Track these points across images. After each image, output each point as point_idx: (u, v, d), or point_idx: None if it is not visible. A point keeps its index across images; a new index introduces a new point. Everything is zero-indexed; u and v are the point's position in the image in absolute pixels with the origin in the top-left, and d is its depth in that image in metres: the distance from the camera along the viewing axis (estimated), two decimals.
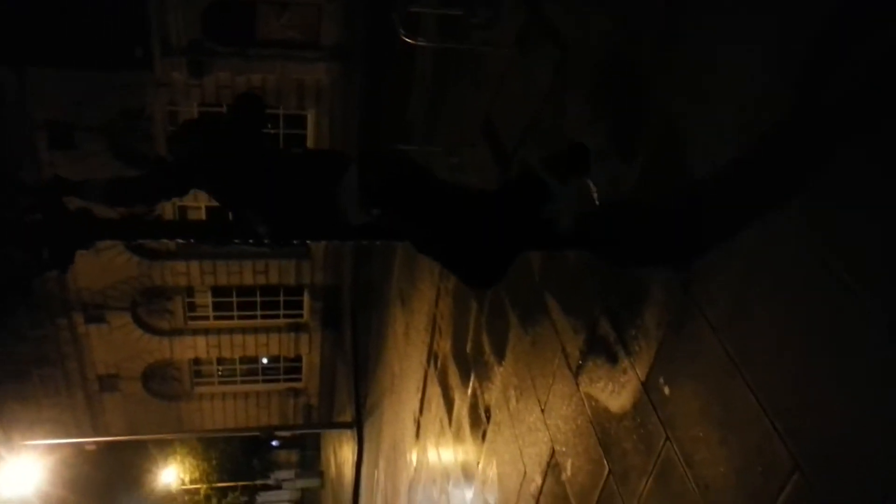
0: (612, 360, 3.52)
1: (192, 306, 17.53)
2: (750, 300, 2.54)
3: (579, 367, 3.91)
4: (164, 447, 22.33)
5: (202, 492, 23.49)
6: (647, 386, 3.16)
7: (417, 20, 5.97)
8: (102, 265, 15.42)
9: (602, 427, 3.63)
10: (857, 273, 2.11)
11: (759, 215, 2.52)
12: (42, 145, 12.64)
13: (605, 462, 3.56)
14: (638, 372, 3.25)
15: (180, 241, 3.01)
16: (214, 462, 23.68)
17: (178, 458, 22.98)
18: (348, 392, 15.05)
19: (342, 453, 16.76)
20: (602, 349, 3.64)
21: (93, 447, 15.93)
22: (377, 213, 2.86)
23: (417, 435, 8.36)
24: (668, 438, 2.99)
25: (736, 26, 2.70)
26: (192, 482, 23.33)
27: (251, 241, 3.10)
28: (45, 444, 13.48)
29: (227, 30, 12.42)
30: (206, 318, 17.80)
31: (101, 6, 11.00)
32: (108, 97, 12.50)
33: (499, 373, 5.29)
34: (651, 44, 3.29)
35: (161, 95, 12.86)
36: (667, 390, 3.00)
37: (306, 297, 17.55)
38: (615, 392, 3.48)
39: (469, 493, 6.01)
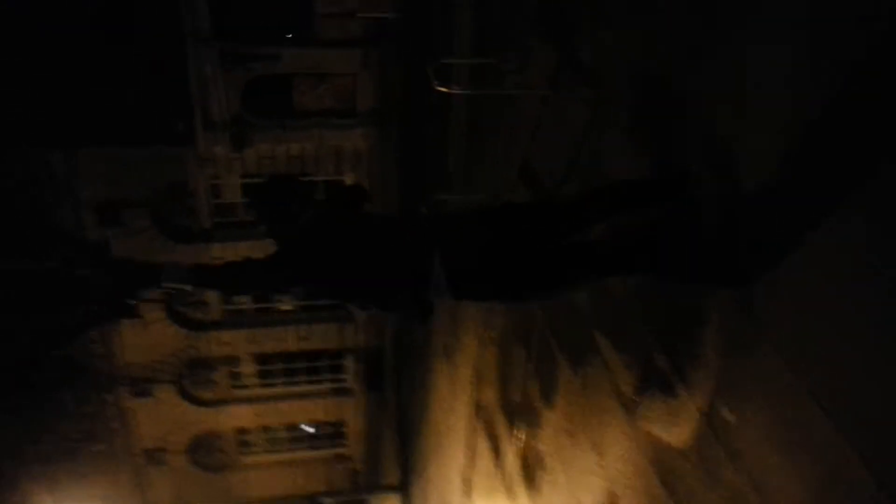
0: (669, 392, 3.41)
1: (236, 376, 17.58)
2: (815, 317, 2.45)
3: (634, 404, 3.79)
4: None
5: None
6: (710, 415, 3.04)
7: (451, 72, 6.10)
8: (148, 339, 15.63)
9: (662, 464, 3.50)
10: None
11: (817, 227, 2.45)
12: (90, 224, 13.02)
13: (670, 500, 3.41)
14: (699, 402, 3.13)
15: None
16: None
17: None
18: (394, 454, 14.82)
19: None
20: (657, 383, 3.54)
21: None
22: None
23: (466, 493, 8.16)
24: (735, 469, 2.85)
25: (771, 34, 2.69)
26: None
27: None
28: None
29: (266, 103, 12.81)
30: (251, 386, 17.83)
31: (143, 84, 11.47)
32: (151, 173, 12.90)
33: (549, 419, 5.17)
34: (685, 64, 3.28)
35: (204, 169, 13.22)
36: (731, 418, 2.88)
37: (349, 361, 17.51)
38: (674, 426, 3.36)
39: None
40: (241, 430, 18.75)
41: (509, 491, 6.30)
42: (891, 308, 2.14)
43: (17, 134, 11.64)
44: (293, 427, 19.16)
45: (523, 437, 5.80)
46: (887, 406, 2.15)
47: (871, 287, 2.22)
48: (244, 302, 15.92)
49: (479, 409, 7.42)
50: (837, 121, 2.37)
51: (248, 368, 17.57)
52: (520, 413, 5.91)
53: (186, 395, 17.40)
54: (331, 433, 19.67)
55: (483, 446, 7.23)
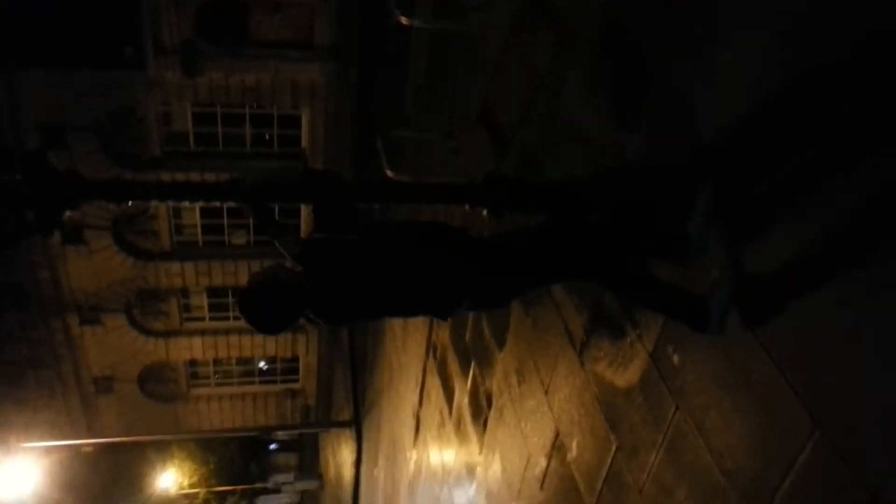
0: (618, 334, 3.47)
1: (187, 307, 17.41)
2: (759, 258, 2.50)
3: (583, 345, 3.87)
4: (162, 451, 22.21)
5: (200, 496, 23.38)
6: (655, 356, 3.12)
7: (412, 4, 5.93)
8: (96, 267, 15.32)
9: (608, 403, 3.59)
10: None
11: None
12: (33, 146, 12.53)
13: (612, 438, 3.52)
14: (645, 343, 3.20)
15: (171, 202, 2.90)
16: (212, 466, 23.56)
17: (176, 462, 22.85)
18: (346, 391, 14.98)
19: (341, 454, 16.68)
20: (607, 324, 3.60)
21: (89, 449, 15.83)
22: None
23: (417, 429, 8.31)
24: (678, 408, 2.94)
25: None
26: (190, 486, 23.21)
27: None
28: (41, 447, 13.38)
29: (221, 30, 12.33)
30: (202, 319, 17.68)
31: (92, 5, 10.90)
32: (99, 97, 12.39)
33: (500, 358, 5.25)
34: (652, 14, 3.24)
35: (154, 95, 12.76)
36: (676, 359, 2.96)
37: None
38: (622, 366, 3.44)
39: (471, 484, 5.96)
40: (192, 362, 18.69)
41: (457, 428, 6.43)
42: (830, 235, 2.19)
43: None
44: (245, 361, 19.16)
45: (475, 375, 5.89)
46: (825, 344, 2.22)
47: (807, 219, 2.26)
48: (195, 233, 15.65)
49: (431, 348, 7.50)
50: (799, 110, 2.37)
51: (200, 301, 17.40)
52: (471, 353, 5.98)
53: (137, 325, 17.20)
54: (283, 368, 19.75)
55: (434, 384, 7.34)
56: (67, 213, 2.95)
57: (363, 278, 2.73)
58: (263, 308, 2.70)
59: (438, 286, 2.77)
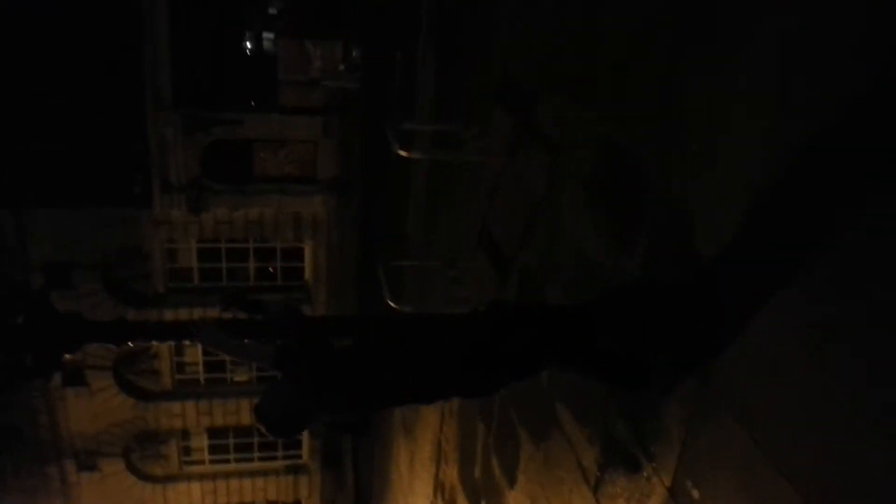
0: (633, 468, 3.22)
1: (187, 450, 16.83)
2: (773, 381, 2.34)
3: (598, 481, 3.59)
4: None
5: None
6: (674, 491, 2.86)
7: (411, 137, 6.06)
8: (96, 408, 14.96)
9: None
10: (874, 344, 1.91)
11: (770, 298, 2.36)
12: (37, 285, 12.56)
13: None
14: (662, 478, 2.95)
15: (173, 342, 2.78)
16: None
17: None
18: None
19: None
20: (620, 457, 3.35)
21: None
22: None
23: None
24: None
25: (734, 101, 2.64)
26: None
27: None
28: None
29: (226, 167, 12.69)
30: (202, 462, 17.05)
31: (101, 144, 11.28)
32: (105, 234, 12.57)
33: (511, 497, 4.91)
34: (642, 127, 3.24)
35: (159, 233, 12.94)
36: (696, 494, 2.71)
37: (305, 436, 16.91)
38: (640, 503, 3.15)
39: None
40: None
41: None
42: (844, 377, 2.07)
43: None
44: None
45: None
46: (849, 475, 2.05)
47: (824, 356, 2.14)
48: (196, 371, 15.43)
49: (439, 487, 7.10)
50: (787, 202, 2.32)
51: (200, 442, 16.85)
52: (481, 491, 5.63)
53: (135, 470, 16.56)
54: None
55: None
56: (67, 355, 2.88)
57: (348, 375, 2.74)
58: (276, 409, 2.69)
59: (427, 380, 2.80)
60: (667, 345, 2.83)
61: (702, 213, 2.76)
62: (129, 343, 2.97)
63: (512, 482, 4.89)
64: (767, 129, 2.43)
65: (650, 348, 2.85)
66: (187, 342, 2.81)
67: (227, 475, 17.03)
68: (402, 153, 4.95)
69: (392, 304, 5.27)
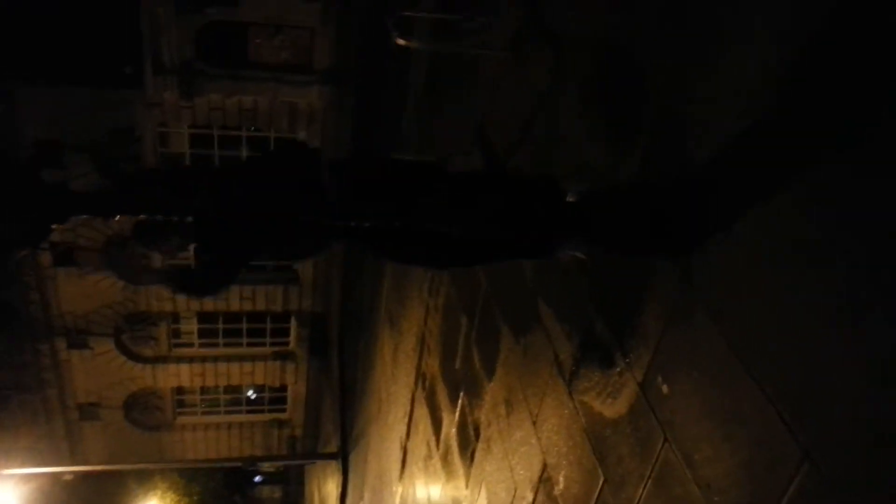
0: (608, 363, 3.36)
1: (176, 333, 17.25)
2: (752, 286, 2.42)
3: (573, 375, 3.75)
4: (145, 480, 21.78)
5: None
6: (645, 386, 3.00)
7: (411, 26, 5.92)
8: (86, 289, 15.19)
9: (596, 435, 3.46)
10: (867, 249, 1.98)
11: (760, 198, 2.41)
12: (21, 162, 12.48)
13: (600, 471, 3.38)
14: (635, 373, 3.09)
15: (160, 217, 2.79)
16: (196, 497, 23.09)
17: (159, 492, 22.39)
18: (334, 422, 14.75)
19: (326, 487, 16.36)
20: (597, 353, 3.49)
21: (71, 477, 15.51)
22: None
23: (404, 462, 8.12)
24: (666, 440, 2.82)
25: (737, 7, 2.61)
26: None
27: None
28: (21, 474, 13.08)
29: (220, 51, 12.40)
30: (191, 345, 17.52)
31: (93, 23, 10.95)
32: (97, 116, 12.42)
33: (489, 388, 5.12)
34: (648, 33, 3.20)
35: (151, 115, 12.79)
36: (665, 389, 2.85)
37: (293, 324, 17.32)
38: (610, 397, 3.32)
39: None
40: (179, 390, 18.46)
41: (445, 460, 6.26)
42: (821, 281, 2.13)
43: None
44: (233, 389, 18.92)
45: (463, 406, 5.75)
46: (814, 377, 2.14)
47: (803, 259, 2.20)
48: (188, 256, 15.56)
49: (421, 377, 7.36)
50: (794, 108, 2.32)
51: (189, 326, 17.25)
52: (461, 382, 5.85)
53: (125, 350, 17.03)
54: (271, 397, 19.50)
55: (423, 414, 7.18)
56: (55, 226, 2.88)
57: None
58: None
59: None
60: (651, 243, 2.89)
61: (700, 121, 2.77)
62: (117, 217, 2.95)
63: (490, 374, 5.08)
64: (772, 36, 2.42)
65: (635, 247, 2.91)
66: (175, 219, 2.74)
67: (216, 359, 17.54)
68: (401, 43, 4.84)
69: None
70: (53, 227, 2.85)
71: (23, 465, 13.68)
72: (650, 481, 2.92)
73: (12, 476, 12.87)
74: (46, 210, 2.76)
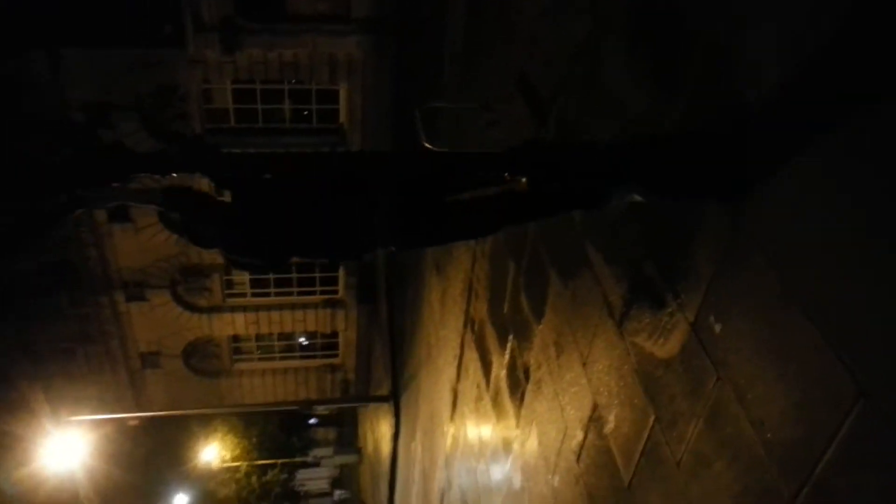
0: (658, 304, 3.40)
1: (229, 284, 17.74)
2: (805, 226, 2.42)
3: (623, 316, 3.80)
4: (206, 425, 22.74)
5: (242, 469, 23.91)
6: (697, 326, 3.05)
7: None
8: (141, 244, 15.66)
9: (647, 375, 3.53)
10: None
11: (811, 138, 2.39)
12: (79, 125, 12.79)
13: (651, 410, 3.46)
14: (686, 313, 3.13)
15: (217, 176, 2.87)
16: (254, 440, 24.07)
17: (219, 435, 23.39)
18: (385, 366, 15.12)
19: (379, 428, 16.88)
20: (647, 294, 3.53)
21: (135, 422, 16.29)
22: None
23: (455, 403, 8.33)
24: (719, 378, 2.88)
25: None
26: (232, 459, 23.75)
27: None
28: (89, 420, 13.79)
29: (258, 5, 12.39)
30: (244, 294, 18.02)
31: None
32: (140, 75, 12.59)
33: (538, 331, 5.21)
34: None
35: (194, 73, 12.91)
36: (718, 328, 2.89)
37: (342, 273, 17.65)
38: (662, 337, 3.37)
39: (508, 458, 5.96)
40: (235, 338, 19.06)
41: (495, 402, 6.43)
42: (876, 221, 2.12)
43: None
44: (286, 336, 19.46)
45: (512, 349, 5.87)
46: (870, 315, 2.15)
47: (856, 200, 2.19)
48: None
49: (469, 322, 7.49)
50: (844, 45, 2.27)
51: (242, 277, 17.69)
52: (509, 326, 5.95)
53: (181, 301, 17.60)
54: (323, 343, 20.01)
55: (472, 357, 7.34)
56: (115, 184, 2.96)
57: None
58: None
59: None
60: (701, 187, 2.89)
61: (750, 61, 2.73)
62: (174, 174, 3.03)
63: (539, 317, 5.16)
64: None
65: (686, 191, 2.92)
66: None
67: (269, 307, 18.04)
68: None
69: (428, 146, 5.32)
70: (115, 185, 2.95)
71: (91, 412, 14.42)
72: (702, 420, 2.99)
73: (81, 423, 13.58)
74: (108, 170, 2.85)
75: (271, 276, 17.55)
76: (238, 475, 24.07)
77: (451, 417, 8.49)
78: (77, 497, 16.75)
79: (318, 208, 2.76)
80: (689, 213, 3.08)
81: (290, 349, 20.00)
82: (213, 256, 16.39)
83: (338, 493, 31.10)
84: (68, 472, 14.05)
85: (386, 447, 14.90)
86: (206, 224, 2.79)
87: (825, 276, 2.33)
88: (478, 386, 7.11)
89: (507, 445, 6.01)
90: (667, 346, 3.33)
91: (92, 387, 18.04)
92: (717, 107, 2.95)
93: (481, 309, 6.93)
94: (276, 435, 25.35)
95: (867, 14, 2.20)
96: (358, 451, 23.43)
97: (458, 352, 8.04)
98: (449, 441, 8.70)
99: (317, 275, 17.82)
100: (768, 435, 2.57)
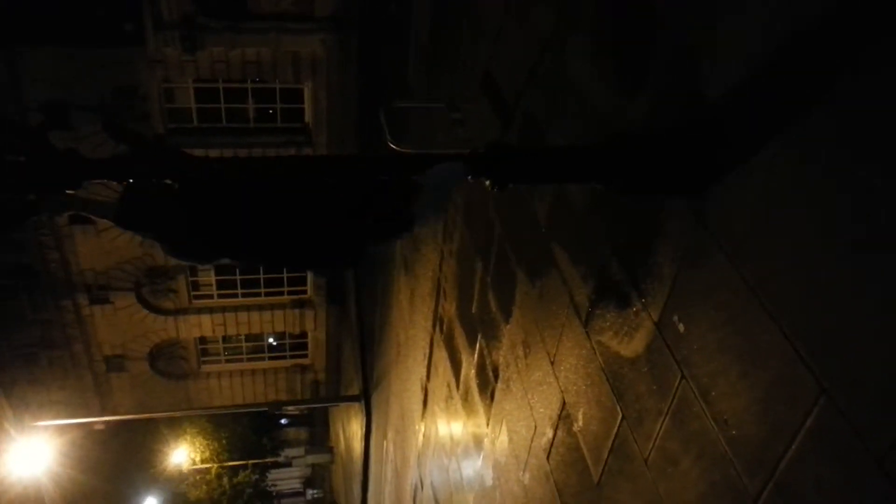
0: (624, 303, 3.43)
1: (195, 285, 17.52)
2: (766, 224, 2.45)
3: (589, 315, 3.83)
4: (174, 427, 22.46)
5: (213, 471, 23.66)
6: (661, 325, 3.08)
7: None
8: (105, 246, 15.39)
9: (614, 373, 3.56)
10: (882, 182, 2.01)
11: (773, 136, 2.42)
12: (36, 124, 12.51)
13: (619, 408, 3.50)
14: (651, 313, 3.16)
15: (175, 178, 2.82)
16: (224, 441, 23.83)
17: (188, 438, 23.11)
18: (355, 365, 15.07)
19: (350, 428, 16.82)
20: (612, 294, 3.56)
21: (102, 427, 16.02)
22: None
23: (425, 402, 8.34)
24: (683, 377, 2.91)
25: None
26: (202, 461, 23.48)
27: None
28: (54, 425, 13.54)
29: (220, 3, 12.22)
30: (211, 296, 17.80)
31: None
32: (101, 75, 12.35)
33: (506, 331, 5.23)
34: None
35: (155, 72, 12.70)
36: (681, 327, 2.92)
37: (309, 274, 17.52)
38: (627, 336, 3.40)
39: (479, 455, 5.98)
40: (202, 339, 18.84)
41: (465, 400, 6.44)
42: (840, 219, 2.14)
43: None
44: (254, 337, 19.29)
45: (481, 348, 5.88)
46: (831, 310, 2.18)
47: (823, 195, 2.21)
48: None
49: (438, 321, 7.49)
50: (806, 43, 2.30)
51: (208, 278, 17.49)
52: (478, 326, 5.96)
53: (146, 304, 17.34)
54: (292, 343, 19.87)
55: (441, 357, 7.34)
56: (69, 192, 2.90)
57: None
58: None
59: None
60: (663, 183, 2.91)
61: (713, 60, 2.76)
62: (131, 179, 2.97)
63: (507, 317, 5.18)
64: None
65: (648, 187, 2.94)
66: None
67: (236, 308, 17.85)
68: None
69: (393, 146, 5.30)
70: (68, 192, 2.88)
71: (56, 417, 14.16)
72: (668, 417, 3.02)
73: (47, 428, 13.34)
74: (60, 177, 2.78)
75: (238, 276, 17.37)
76: (209, 477, 23.81)
77: (423, 416, 8.50)
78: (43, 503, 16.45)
79: (283, 213, 2.73)
80: (653, 212, 3.11)
81: (259, 350, 19.82)
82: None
83: (310, 493, 31.01)
84: (33, 478, 13.79)
85: (358, 446, 14.86)
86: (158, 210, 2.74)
87: (787, 274, 2.36)
88: (448, 385, 7.11)
89: (478, 443, 6.02)
90: (632, 345, 3.36)
91: (57, 391, 17.70)
92: (680, 103, 2.98)
93: (450, 308, 6.93)
94: (247, 436, 25.14)
95: (831, 10, 2.24)
96: (330, 450, 23.34)
97: (427, 351, 8.04)
98: (421, 439, 8.71)
99: (285, 275, 17.67)
100: (732, 432, 2.60)
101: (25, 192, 2.78)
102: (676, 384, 2.96)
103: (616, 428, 3.53)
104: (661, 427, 3.09)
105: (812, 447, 2.23)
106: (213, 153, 13.23)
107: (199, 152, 13.21)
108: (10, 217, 3.08)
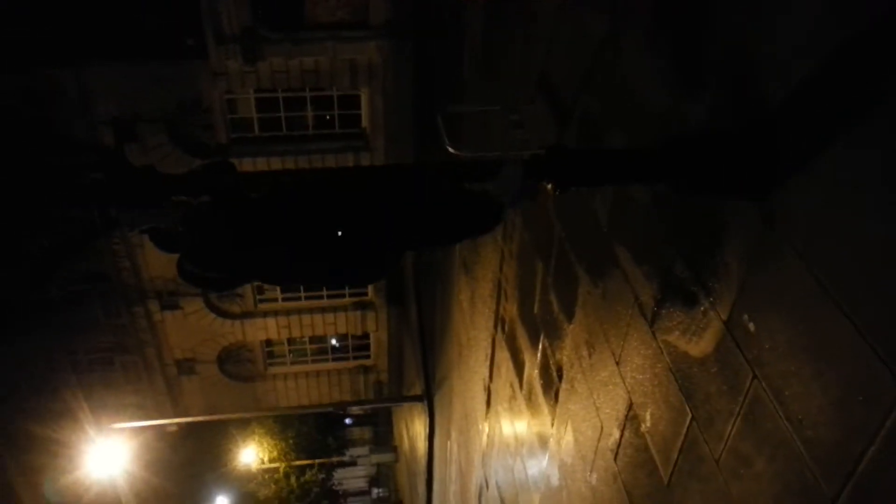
0: (690, 303, 3.40)
1: (260, 290, 17.94)
2: (838, 221, 2.41)
3: (654, 315, 3.81)
4: (243, 428, 23.03)
5: (281, 470, 24.17)
6: (730, 325, 3.05)
7: None
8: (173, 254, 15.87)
9: (682, 373, 3.54)
10: None
11: (841, 131, 2.38)
12: (108, 141, 13.02)
13: (688, 408, 3.47)
14: (720, 312, 3.13)
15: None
16: (291, 441, 24.31)
17: (257, 438, 23.66)
18: (417, 366, 15.19)
19: (414, 427, 16.97)
20: (678, 293, 3.53)
21: (174, 428, 16.56)
22: None
23: (488, 402, 8.37)
24: (755, 377, 2.88)
25: None
26: (270, 461, 24.01)
27: None
28: (129, 427, 14.05)
29: (277, 15, 12.50)
30: (275, 300, 18.21)
31: None
32: (165, 89, 12.77)
33: (569, 331, 5.22)
34: None
35: (217, 84, 13.06)
36: (752, 327, 2.89)
37: None
38: (695, 336, 3.37)
39: (544, 455, 5.98)
40: (268, 342, 19.27)
41: (529, 401, 6.45)
42: None
43: (23, 52, 11.48)
44: (318, 339, 19.63)
45: (544, 348, 5.88)
46: None
47: (886, 193, 2.17)
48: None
49: (500, 322, 7.52)
50: (872, 35, 2.25)
51: None
52: (540, 326, 5.97)
53: (214, 308, 17.84)
54: (355, 345, 20.16)
55: (504, 357, 7.37)
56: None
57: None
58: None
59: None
60: (729, 185, 2.89)
61: (773, 60, 2.72)
62: (205, 195, 3.08)
63: (570, 317, 5.17)
64: None
65: (714, 188, 2.92)
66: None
67: (300, 311, 18.21)
68: None
69: (451, 150, 5.34)
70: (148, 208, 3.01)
71: (131, 419, 14.68)
72: (739, 417, 2.99)
73: (122, 430, 13.85)
74: (141, 193, 2.91)
75: None
76: (277, 476, 24.32)
77: (486, 416, 8.53)
78: (119, 503, 17.08)
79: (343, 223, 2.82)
80: (718, 212, 3.08)
81: (323, 352, 20.17)
82: None
83: (376, 492, 31.37)
84: (110, 478, 14.34)
85: (421, 446, 14.99)
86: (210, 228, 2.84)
87: (861, 272, 2.31)
88: (511, 385, 7.13)
89: (543, 444, 6.03)
90: (700, 345, 3.33)
91: (130, 395, 18.39)
92: (744, 104, 2.94)
93: (511, 309, 6.95)
94: (313, 435, 25.59)
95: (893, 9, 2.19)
96: (394, 449, 23.59)
97: (489, 352, 8.07)
98: (485, 439, 8.74)
99: None
100: (808, 433, 2.56)
101: (107, 208, 2.92)
102: (748, 384, 2.93)
103: (685, 428, 3.50)
104: (732, 427, 3.05)
105: (892, 449, 2.19)
106: (275, 161, 13.54)
107: (261, 160, 13.58)
108: (95, 229, 3.22)
